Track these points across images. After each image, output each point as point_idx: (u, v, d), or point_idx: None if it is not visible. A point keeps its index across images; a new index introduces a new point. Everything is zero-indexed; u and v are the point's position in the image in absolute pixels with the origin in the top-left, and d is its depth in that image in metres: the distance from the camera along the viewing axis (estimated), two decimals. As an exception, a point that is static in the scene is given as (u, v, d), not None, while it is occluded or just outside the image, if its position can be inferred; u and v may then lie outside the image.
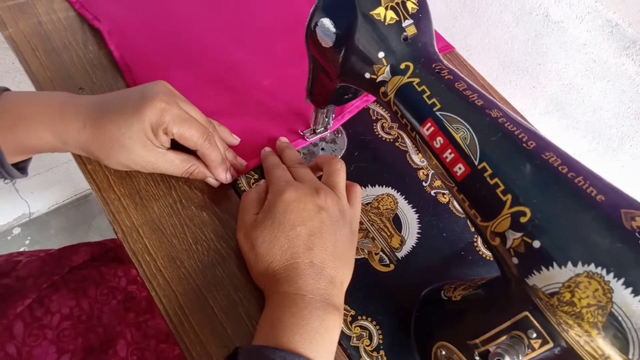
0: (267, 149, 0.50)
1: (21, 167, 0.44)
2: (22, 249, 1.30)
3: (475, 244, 0.50)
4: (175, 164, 0.44)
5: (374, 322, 0.44)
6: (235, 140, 0.50)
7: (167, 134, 0.42)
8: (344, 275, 0.40)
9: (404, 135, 0.56)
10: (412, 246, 0.49)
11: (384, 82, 0.35)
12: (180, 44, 0.57)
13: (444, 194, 0.53)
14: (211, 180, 0.47)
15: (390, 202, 0.51)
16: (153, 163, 0.43)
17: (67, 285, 0.54)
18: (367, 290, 0.46)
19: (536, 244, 0.27)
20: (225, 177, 0.47)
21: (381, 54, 0.34)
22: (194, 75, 0.55)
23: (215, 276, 0.44)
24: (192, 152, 0.45)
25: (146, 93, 0.41)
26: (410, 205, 0.51)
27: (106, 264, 0.59)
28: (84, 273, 0.56)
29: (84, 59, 0.53)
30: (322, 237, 0.39)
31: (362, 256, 0.47)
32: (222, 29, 0.60)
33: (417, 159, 0.54)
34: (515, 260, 0.29)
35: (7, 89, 0.41)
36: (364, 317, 0.44)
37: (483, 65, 0.86)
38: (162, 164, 0.44)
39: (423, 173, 0.54)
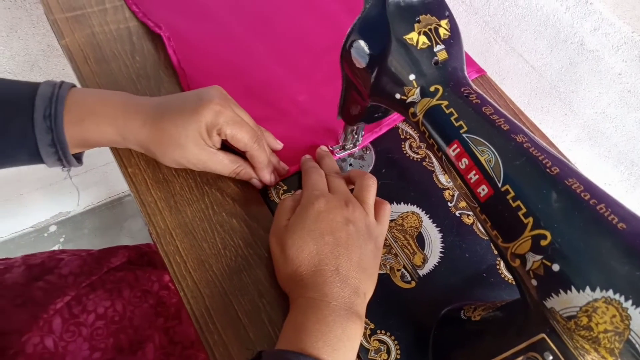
0: (307, 156, 0.52)
1: (78, 157, 0.47)
2: (56, 246, 1.36)
3: (497, 267, 0.50)
4: (224, 164, 0.47)
5: (393, 337, 0.45)
6: (278, 145, 0.52)
7: (220, 134, 0.45)
8: (367, 287, 0.41)
9: (432, 156, 0.57)
10: (434, 265, 0.49)
11: (413, 103, 0.37)
12: (230, 54, 0.61)
13: (468, 215, 0.53)
14: (255, 182, 0.50)
15: (415, 220, 0.52)
16: (204, 162, 0.46)
17: (104, 286, 0.56)
18: (387, 305, 0.46)
19: (555, 267, 0.28)
20: (269, 178, 0.50)
21: (412, 77, 0.36)
22: (240, 84, 0.58)
23: (241, 281, 0.45)
24: (240, 155, 0.49)
25: (203, 96, 0.44)
26: (435, 224, 0.52)
27: (142, 268, 0.62)
28: (121, 275, 0.59)
29: (130, 68, 0.57)
30: (348, 248, 0.40)
31: (384, 271, 0.48)
32: (269, 43, 0.63)
33: (443, 179, 0.55)
34: (534, 282, 0.29)
35: (74, 85, 0.45)
36: (383, 331, 0.45)
37: (515, 91, 0.87)
38: (212, 163, 0.47)
39: (449, 193, 0.54)
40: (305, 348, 0.35)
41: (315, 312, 0.37)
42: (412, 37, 0.35)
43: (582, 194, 0.29)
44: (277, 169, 0.51)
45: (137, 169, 0.50)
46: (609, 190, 0.30)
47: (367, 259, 0.41)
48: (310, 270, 0.40)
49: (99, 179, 1.33)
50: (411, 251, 0.50)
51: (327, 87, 0.59)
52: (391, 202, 0.53)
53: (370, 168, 0.55)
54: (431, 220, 0.52)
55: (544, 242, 0.29)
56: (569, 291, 0.27)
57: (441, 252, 0.50)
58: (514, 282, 0.49)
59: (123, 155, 0.51)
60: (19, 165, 0.45)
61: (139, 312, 0.57)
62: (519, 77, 0.86)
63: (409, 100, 0.37)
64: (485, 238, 0.52)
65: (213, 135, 0.45)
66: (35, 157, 0.43)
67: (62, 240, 1.37)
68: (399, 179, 0.55)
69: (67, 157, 0.44)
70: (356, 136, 0.53)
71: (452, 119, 0.34)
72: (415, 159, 0.57)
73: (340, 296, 0.38)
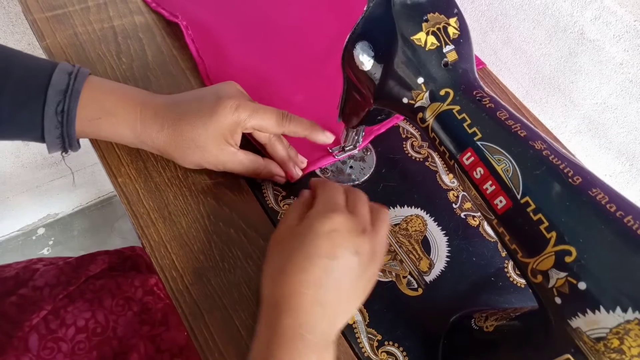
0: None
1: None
2: (45, 249, 1.33)
3: (505, 270, 0.49)
4: (245, 165, 0.46)
5: (401, 348, 0.43)
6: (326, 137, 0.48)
7: (246, 128, 0.44)
8: (349, 315, 0.38)
9: (434, 155, 0.55)
10: (441, 270, 0.48)
11: (422, 108, 0.34)
12: (246, 45, 0.60)
13: (474, 216, 0.51)
14: (279, 179, 0.49)
15: (419, 223, 0.50)
16: (224, 163, 0.45)
17: (83, 296, 0.53)
18: (394, 315, 0.45)
19: (582, 285, 0.26)
20: (295, 172, 0.48)
21: (420, 80, 0.34)
22: (255, 76, 0.57)
23: (241, 295, 0.43)
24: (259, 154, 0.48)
25: (220, 93, 0.43)
26: (440, 227, 0.50)
27: (123, 274, 0.59)
28: (101, 283, 0.56)
29: (117, 70, 0.54)
30: (341, 280, 0.36)
31: (390, 279, 0.47)
32: (276, 38, 0.62)
33: (447, 179, 0.53)
34: (558, 300, 0.28)
35: (89, 73, 0.44)
36: (390, 343, 0.43)
37: (513, 81, 0.85)
38: (231, 164, 0.45)
39: (453, 194, 0.53)
40: None
41: (288, 344, 0.34)
42: (420, 37, 0.33)
43: (608, 206, 0.27)
44: (296, 163, 0.49)
45: (128, 178, 0.48)
46: (610, 182, 0.29)
47: (359, 291, 0.38)
48: (289, 289, 0.35)
49: (87, 180, 1.30)
50: (417, 257, 0.48)
51: (326, 86, 0.56)
52: (394, 205, 0.51)
53: (372, 170, 0.53)
54: (436, 223, 0.50)
55: (568, 259, 0.27)
56: (597, 311, 0.26)
57: (447, 257, 0.49)
58: (523, 286, 0.47)
59: (112, 164, 0.48)
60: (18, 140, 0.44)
61: (123, 321, 0.55)
62: (516, 67, 0.84)
63: (417, 104, 0.35)
64: (493, 240, 0.50)
65: (237, 132, 0.44)
66: (37, 141, 0.43)
67: (51, 242, 1.34)
68: (402, 181, 0.53)
69: (71, 148, 0.44)
70: (356, 137, 0.51)
71: (465, 125, 0.32)
72: (417, 159, 0.55)
73: (317, 329, 0.35)
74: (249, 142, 0.49)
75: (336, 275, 0.35)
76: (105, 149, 0.49)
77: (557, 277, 0.27)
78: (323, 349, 0.35)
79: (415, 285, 0.47)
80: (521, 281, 0.48)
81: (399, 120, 0.57)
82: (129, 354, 0.52)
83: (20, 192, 1.19)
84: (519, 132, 0.31)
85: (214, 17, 0.61)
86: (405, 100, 0.35)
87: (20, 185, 1.17)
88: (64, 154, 0.45)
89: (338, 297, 0.36)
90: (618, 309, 0.25)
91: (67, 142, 0.42)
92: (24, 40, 0.88)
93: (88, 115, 0.42)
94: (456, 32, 0.34)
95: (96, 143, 0.49)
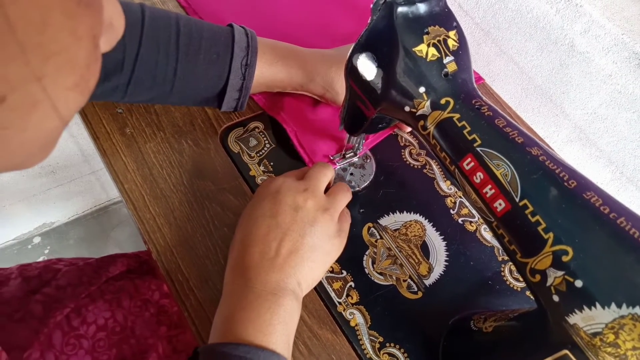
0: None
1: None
2: (41, 259, 1.32)
3: (502, 274, 0.50)
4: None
5: (402, 350, 0.44)
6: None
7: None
8: (303, 277, 0.40)
9: (432, 162, 0.57)
10: (440, 274, 0.49)
11: (423, 116, 0.36)
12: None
13: (471, 222, 0.53)
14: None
15: (419, 229, 0.51)
16: None
17: (103, 296, 0.55)
18: (395, 317, 0.46)
19: (578, 283, 0.28)
20: None
21: (422, 89, 0.35)
22: None
23: (247, 298, 0.44)
24: None
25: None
26: (438, 232, 0.52)
27: (141, 277, 0.60)
28: (120, 284, 0.57)
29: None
30: (287, 233, 0.39)
31: (391, 283, 0.48)
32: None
33: (444, 186, 0.55)
34: (555, 298, 0.29)
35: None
36: (392, 344, 0.44)
37: (506, 92, 0.87)
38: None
39: (451, 200, 0.54)
40: (236, 337, 0.34)
41: (240, 299, 0.37)
42: (422, 49, 0.34)
43: (602, 208, 0.29)
44: None
45: (134, 184, 0.49)
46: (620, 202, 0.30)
47: (308, 249, 0.40)
48: (239, 252, 0.39)
49: (83, 188, 1.30)
50: (416, 261, 0.49)
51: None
52: (394, 211, 0.52)
53: (372, 177, 0.54)
54: (434, 228, 0.52)
55: (565, 258, 0.28)
56: (593, 307, 0.27)
57: (446, 261, 0.50)
58: (519, 289, 0.49)
59: (118, 171, 0.49)
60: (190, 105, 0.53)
61: (141, 321, 0.56)
62: (509, 78, 0.86)
63: (418, 113, 0.36)
64: (489, 245, 0.52)
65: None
66: (212, 104, 0.51)
67: (46, 252, 1.33)
68: (400, 188, 0.54)
69: (244, 104, 0.50)
70: (357, 145, 0.53)
71: (464, 132, 0.34)
72: (415, 167, 0.56)
73: (265, 280, 0.37)
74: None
75: (282, 229, 0.39)
76: (112, 155, 0.50)
77: (555, 276, 0.29)
78: (276, 301, 0.37)
79: (415, 289, 0.48)
80: (517, 284, 0.50)
81: (396, 128, 0.58)
82: (148, 353, 0.53)
83: (16, 201, 1.19)
84: (516, 139, 0.32)
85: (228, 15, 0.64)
86: (407, 108, 0.37)
87: (17, 193, 1.17)
88: (233, 111, 0.52)
89: (284, 251, 0.39)
90: (613, 305, 0.26)
91: (242, 96, 0.49)
92: None
93: (267, 61, 0.49)
94: (455, 44, 0.36)
95: (102, 149, 0.50)
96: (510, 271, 0.50)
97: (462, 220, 0.53)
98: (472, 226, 0.53)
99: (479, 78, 0.68)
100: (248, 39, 0.47)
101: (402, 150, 0.57)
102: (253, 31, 0.49)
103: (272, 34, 0.53)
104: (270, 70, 0.50)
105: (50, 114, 0.19)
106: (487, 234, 0.52)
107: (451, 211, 0.54)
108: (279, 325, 0.36)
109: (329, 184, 0.47)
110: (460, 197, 0.54)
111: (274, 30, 0.62)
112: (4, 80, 0.16)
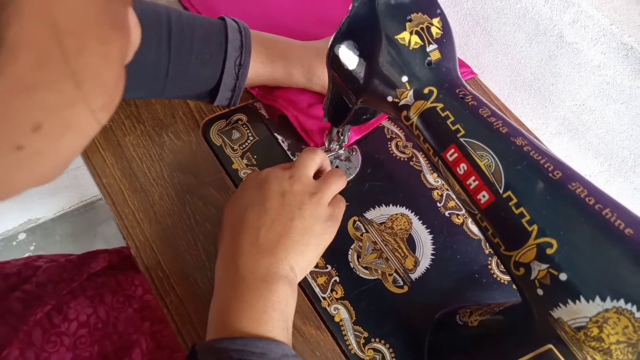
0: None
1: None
2: (26, 255, 1.30)
3: (489, 267, 0.50)
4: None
5: (387, 345, 0.44)
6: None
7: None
8: (296, 261, 0.39)
9: (419, 155, 0.56)
10: (426, 268, 0.48)
11: (406, 106, 0.35)
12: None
13: (458, 215, 0.52)
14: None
15: (405, 222, 0.51)
16: None
17: (85, 292, 0.54)
18: (380, 312, 0.45)
19: (562, 276, 0.27)
20: None
21: (405, 78, 0.34)
22: None
23: (229, 294, 0.43)
24: None
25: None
26: (425, 225, 0.51)
27: (123, 272, 0.59)
28: (102, 280, 0.56)
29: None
30: (275, 219, 0.39)
31: (376, 277, 0.47)
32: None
33: (431, 178, 0.54)
34: (540, 291, 0.28)
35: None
36: (377, 340, 0.44)
37: (494, 84, 0.86)
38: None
39: (437, 193, 0.53)
40: (232, 330, 0.34)
41: (232, 290, 0.36)
42: (404, 37, 0.33)
43: (587, 199, 0.28)
44: None
45: (113, 179, 0.48)
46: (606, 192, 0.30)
47: (298, 232, 0.39)
48: (228, 241, 0.39)
49: (69, 184, 1.28)
50: (402, 254, 0.49)
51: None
52: (380, 204, 0.51)
53: (357, 169, 0.53)
54: (421, 221, 0.51)
55: (550, 251, 0.28)
56: (577, 301, 0.26)
57: (432, 254, 0.49)
58: (506, 282, 0.48)
59: (97, 165, 0.48)
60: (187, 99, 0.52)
61: (124, 317, 0.55)
62: (498, 69, 0.86)
63: (401, 103, 0.35)
64: (476, 238, 0.51)
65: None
66: (204, 99, 0.49)
67: (32, 248, 1.31)
68: (387, 180, 0.53)
69: (237, 100, 0.50)
70: (342, 137, 0.52)
71: (448, 122, 0.33)
72: (402, 159, 0.55)
73: (255, 267, 0.37)
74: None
75: (270, 215, 0.39)
76: (89, 150, 0.49)
77: (539, 269, 0.28)
78: (269, 287, 0.36)
79: (401, 283, 0.47)
80: (504, 278, 0.49)
81: (383, 120, 0.57)
82: (131, 349, 0.53)
83: (0, 197, 1.17)
84: (500, 129, 0.31)
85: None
86: (389, 98, 0.36)
87: (1, 189, 1.15)
88: (228, 106, 0.51)
89: (274, 236, 0.38)
90: (597, 299, 0.26)
91: (235, 95, 0.48)
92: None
93: (264, 59, 0.48)
94: (439, 31, 0.35)
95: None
96: (497, 264, 0.50)
97: (448, 213, 0.52)
98: (459, 219, 0.52)
99: (472, 72, 0.67)
100: (242, 37, 0.46)
101: (389, 143, 0.56)
102: (247, 26, 0.48)
103: (268, 24, 0.53)
104: (265, 70, 0.49)
105: (81, 136, 0.20)
106: (474, 227, 0.51)
107: (438, 204, 0.53)
108: (274, 312, 0.35)
109: (322, 170, 0.46)
110: (447, 189, 0.54)
111: (271, 20, 0.62)
112: (42, 107, 0.17)
